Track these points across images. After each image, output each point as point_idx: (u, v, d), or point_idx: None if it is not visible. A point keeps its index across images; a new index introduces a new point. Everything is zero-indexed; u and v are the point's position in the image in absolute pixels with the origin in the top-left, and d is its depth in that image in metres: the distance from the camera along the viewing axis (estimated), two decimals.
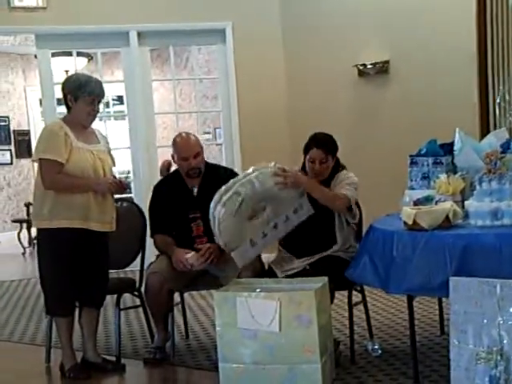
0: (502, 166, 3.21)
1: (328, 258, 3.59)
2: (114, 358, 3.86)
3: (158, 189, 4.05)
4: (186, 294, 4.44)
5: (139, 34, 6.74)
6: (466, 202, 3.27)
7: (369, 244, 3.41)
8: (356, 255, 3.51)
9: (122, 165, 8.80)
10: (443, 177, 3.54)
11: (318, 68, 6.49)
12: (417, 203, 3.39)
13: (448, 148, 3.78)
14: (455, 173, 3.62)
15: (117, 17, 6.60)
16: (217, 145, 8.81)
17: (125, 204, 4.42)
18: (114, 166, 3.84)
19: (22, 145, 10.39)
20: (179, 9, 6.67)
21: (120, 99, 9.58)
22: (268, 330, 3.10)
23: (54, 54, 7.16)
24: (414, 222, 3.13)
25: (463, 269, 2.92)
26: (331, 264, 3.55)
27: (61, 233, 3.52)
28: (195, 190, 3.91)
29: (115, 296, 4.02)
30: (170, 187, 3.97)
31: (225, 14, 6.75)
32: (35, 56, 7.28)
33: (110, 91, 9.03)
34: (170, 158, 9.44)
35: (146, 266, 4.09)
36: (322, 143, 3.68)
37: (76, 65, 7.34)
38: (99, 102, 3.65)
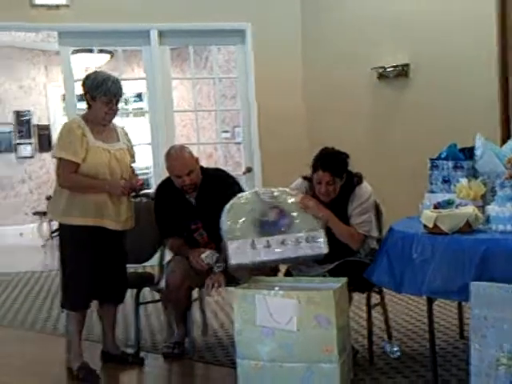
0: None
1: (348, 262, 3.59)
2: (133, 352, 3.91)
3: (160, 193, 4.03)
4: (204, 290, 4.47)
5: (160, 33, 6.76)
6: (487, 207, 3.28)
7: (388, 246, 3.43)
8: (375, 257, 3.52)
9: (142, 161, 8.90)
10: (464, 181, 3.55)
11: (337, 70, 6.50)
12: (437, 207, 3.39)
13: (469, 153, 3.80)
14: (476, 177, 3.64)
15: (138, 15, 6.63)
16: (235, 143, 8.84)
17: (144, 200, 4.46)
18: (134, 162, 3.87)
19: (42, 139, 10.51)
20: (200, 9, 6.69)
21: (139, 96, 9.65)
22: (286, 328, 3.13)
23: (75, 51, 7.22)
24: (435, 225, 3.14)
25: (483, 273, 2.93)
26: (350, 266, 3.56)
27: (74, 229, 3.59)
28: (193, 200, 3.89)
29: (135, 290, 4.06)
30: (170, 193, 3.91)
31: (245, 14, 6.77)
32: (57, 52, 7.35)
33: (130, 88, 9.11)
34: None
35: (165, 262, 4.16)
36: (329, 165, 3.56)
37: (97, 61, 7.41)
38: (117, 101, 3.67)
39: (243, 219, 3.49)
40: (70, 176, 3.58)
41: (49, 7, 6.52)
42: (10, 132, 10.34)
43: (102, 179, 3.61)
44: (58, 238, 3.86)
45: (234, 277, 3.72)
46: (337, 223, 3.56)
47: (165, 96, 6.91)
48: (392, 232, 3.46)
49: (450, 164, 3.75)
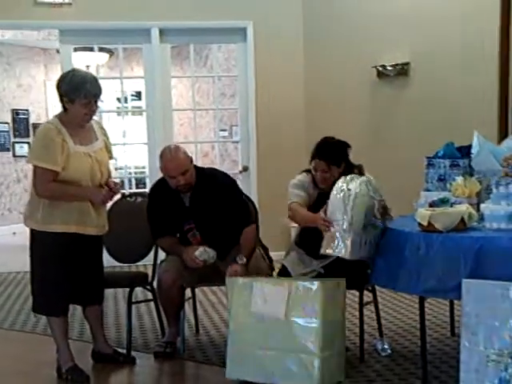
0: None
1: (340, 259, 3.52)
2: (124, 351, 3.87)
3: (153, 194, 3.96)
4: (197, 290, 4.45)
5: (161, 31, 6.76)
6: (481, 205, 3.26)
7: (383, 244, 3.39)
8: (376, 255, 3.46)
9: (139, 160, 8.86)
10: (460, 179, 3.53)
11: (338, 68, 6.48)
12: (432, 205, 3.36)
13: (465, 151, 3.77)
14: (472, 175, 3.61)
15: (139, 13, 6.64)
16: (233, 142, 8.82)
17: (139, 199, 4.43)
18: (111, 159, 3.75)
19: None
20: (201, 7, 6.68)
21: (138, 95, 9.62)
22: (274, 315, 3.19)
23: (76, 49, 7.20)
24: (429, 223, 3.12)
25: (477, 271, 2.92)
26: (343, 264, 3.51)
27: (55, 236, 3.47)
28: (187, 201, 3.83)
29: (127, 290, 4.02)
30: (164, 194, 3.85)
31: (246, 13, 6.76)
32: (57, 51, 7.34)
33: (129, 86, 9.08)
34: None
35: (158, 261, 4.12)
36: (325, 154, 3.63)
37: (97, 60, 7.40)
38: (96, 101, 3.50)
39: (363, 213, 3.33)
40: (49, 186, 3.41)
41: (51, 5, 6.53)
42: (7, 131, 10.31)
43: (84, 185, 3.48)
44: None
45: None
46: None
47: (163, 94, 6.90)
48: (387, 230, 3.42)
49: (447, 162, 3.73)
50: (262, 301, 3.24)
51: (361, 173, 3.66)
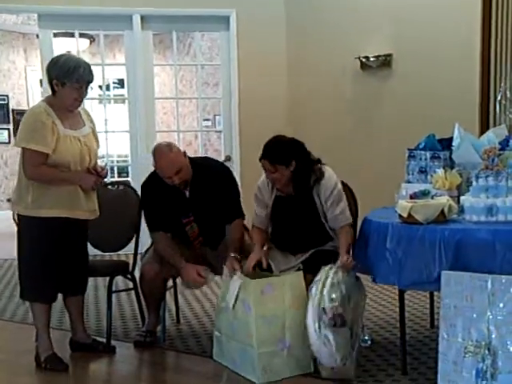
0: (499, 163, 3.23)
1: (320, 253, 3.58)
2: (104, 340, 3.86)
3: (147, 188, 3.84)
4: (178, 280, 4.41)
5: (143, 18, 6.70)
6: (461, 198, 3.29)
7: (364, 236, 3.42)
8: (355, 247, 3.49)
9: (121, 148, 8.80)
10: (440, 171, 3.56)
11: (321, 58, 6.46)
12: (413, 197, 3.38)
13: (446, 143, 3.80)
14: (453, 168, 3.64)
15: None
16: (216, 132, 8.79)
17: (121, 187, 4.41)
18: (98, 147, 3.72)
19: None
20: None
21: (121, 82, 9.55)
22: (228, 303, 3.36)
23: (56, 35, 7.12)
24: (409, 215, 3.14)
25: (457, 263, 2.95)
26: (322, 258, 3.50)
27: (45, 222, 3.44)
28: (187, 192, 3.75)
29: (107, 278, 4.00)
30: (159, 188, 3.74)
31: (229, 1, 6.72)
32: (37, 36, 7.24)
33: (111, 74, 9.01)
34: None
35: (140, 250, 4.10)
36: (268, 153, 3.52)
37: (78, 46, 7.32)
38: (87, 86, 3.48)
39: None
40: (40, 169, 3.39)
41: None
42: None
43: (73, 169, 3.46)
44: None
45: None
46: (348, 248, 3.47)
47: (146, 82, 6.85)
48: (367, 222, 3.44)
49: (428, 154, 3.75)
50: (231, 291, 3.36)
51: (321, 174, 3.57)
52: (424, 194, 3.41)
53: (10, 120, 10.39)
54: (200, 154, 6.97)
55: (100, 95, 8.80)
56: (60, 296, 3.74)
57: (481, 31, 5.28)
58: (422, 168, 3.75)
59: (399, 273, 3.12)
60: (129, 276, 4.11)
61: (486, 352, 2.72)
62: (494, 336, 2.72)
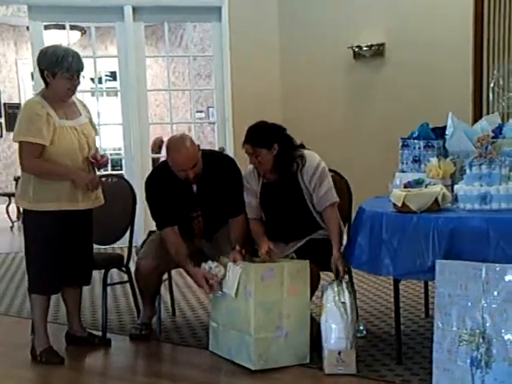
0: (492, 151, 3.22)
1: (314, 241, 3.58)
2: (100, 333, 3.86)
3: (152, 183, 3.74)
4: (173, 272, 4.41)
5: (134, 9, 6.66)
6: (455, 186, 3.28)
7: (358, 225, 3.41)
8: (350, 236, 3.51)
9: (114, 141, 8.78)
10: (434, 160, 3.55)
11: (314, 48, 6.45)
12: (407, 186, 3.38)
13: (440, 132, 3.79)
14: (446, 157, 3.63)
15: None
16: (209, 123, 8.76)
17: (115, 179, 4.39)
18: (97, 135, 3.72)
19: (12, 118, 10.22)
20: None
21: (113, 75, 9.51)
22: (229, 292, 3.35)
23: (46, 27, 7.07)
24: (403, 204, 3.13)
25: (451, 252, 2.94)
26: (317, 246, 3.55)
27: (47, 215, 3.45)
28: (194, 186, 3.68)
29: (102, 271, 3.99)
30: (165, 182, 3.66)
31: None
32: (27, 28, 7.20)
33: (103, 67, 8.97)
34: (161, 136, 9.39)
35: (134, 243, 4.09)
36: (250, 137, 3.55)
37: (69, 38, 7.28)
38: (78, 75, 3.46)
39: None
40: (36, 161, 3.39)
41: None
42: None
43: (74, 158, 3.45)
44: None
45: None
46: (337, 241, 3.51)
47: (138, 74, 6.82)
48: (362, 211, 3.43)
49: (422, 143, 3.74)
50: (228, 279, 3.37)
51: (301, 156, 3.58)
52: (418, 183, 3.40)
53: (1, 114, 10.33)
54: None
55: (92, 88, 8.76)
56: None
57: (473, 20, 5.29)
58: (416, 157, 3.74)
59: (393, 262, 3.12)
60: (123, 269, 4.10)
61: (481, 340, 2.72)
62: (488, 324, 2.71)
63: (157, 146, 8.29)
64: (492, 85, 5.19)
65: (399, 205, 3.15)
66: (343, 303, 3.18)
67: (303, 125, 5.70)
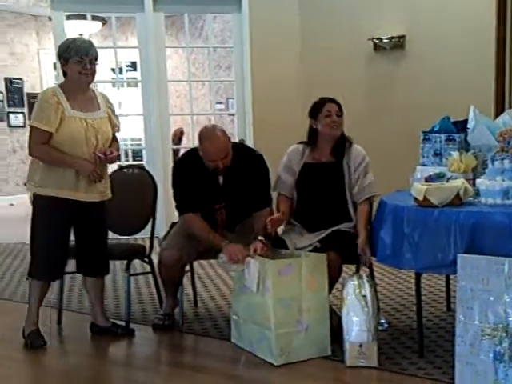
0: None
1: (337, 233, 3.60)
2: (123, 323, 3.92)
3: (180, 168, 3.79)
4: (195, 264, 4.46)
5: (154, 0, 6.69)
6: (477, 180, 3.28)
7: (380, 219, 3.42)
8: (371, 230, 3.51)
9: (134, 132, 8.84)
10: (455, 154, 3.54)
11: (334, 40, 6.44)
12: (428, 180, 3.38)
13: (461, 125, 3.78)
14: (468, 150, 3.62)
15: None
16: (229, 115, 8.78)
17: (136, 171, 4.44)
18: (118, 131, 3.76)
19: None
20: None
21: (133, 65, 9.56)
22: (250, 287, 3.37)
23: (68, 17, 7.13)
24: (425, 198, 3.14)
25: (473, 246, 2.95)
26: (340, 239, 3.57)
27: (50, 200, 3.55)
28: (221, 178, 3.70)
29: (125, 262, 4.05)
30: (192, 171, 3.69)
31: None
32: (49, 18, 7.25)
33: (124, 57, 9.02)
34: (181, 127, 9.43)
35: (156, 234, 4.14)
36: (334, 100, 3.77)
37: (90, 29, 7.34)
38: (91, 60, 3.52)
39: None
40: (40, 147, 3.50)
41: None
42: (1, 100, 10.22)
43: (78, 149, 3.51)
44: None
45: None
46: (366, 231, 3.53)
47: (158, 65, 6.85)
48: (383, 205, 3.44)
49: (443, 137, 3.74)
50: (247, 273, 3.39)
51: (350, 144, 3.75)
52: (439, 176, 3.41)
53: (24, 104, 10.42)
54: None
55: (113, 78, 8.81)
56: (79, 280, 3.80)
57: (496, 12, 5.24)
58: (437, 151, 3.74)
59: (415, 256, 3.13)
60: (146, 259, 4.15)
61: (504, 335, 2.73)
62: (511, 319, 2.72)
63: (177, 136, 8.34)
64: None
65: (420, 199, 3.16)
66: (364, 296, 3.21)
67: None
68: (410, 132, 4.61)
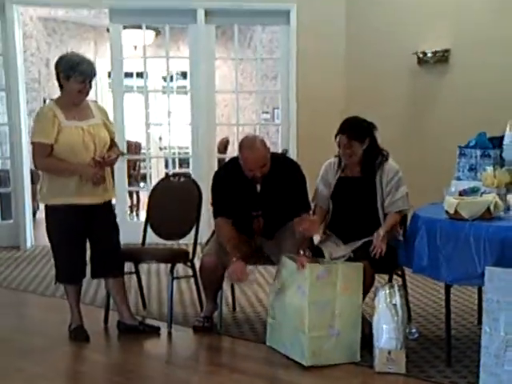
0: None
1: (369, 244, 3.69)
2: (165, 324, 4.10)
3: (219, 176, 3.97)
4: None
5: (206, 12, 6.89)
6: (508, 196, 3.35)
7: (413, 231, 3.50)
8: (405, 241, 3.64)
9: (182, 140, 9.07)
10: (490, 169, 3.61)
11: (379, 54, 6.52)
12: (462, 194, 3.45)
13: (497, 142, 3.83)
14: (503, 166, 3.69)
15: None
16: (274, 125, 8.90)
17: (182, 179, 4.64)
18: (112, 137, 3.97)
19: None
20: None
21: (184, 74, 9.80)
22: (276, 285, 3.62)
23: (124, 27, 7.39)
24: (456, 211, 3.22)
25: (503, 260, 3.02)
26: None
27: (60, 209, 3.78)
28: (258, 186, 3.85)
29: (169, 265, 4.23)
30: (232, 178, 3.86)
31: None
32: (107, 29, 7.54)
33: (175, 66, 9.27)
34: (227, 137, 9.55)
35: (199, 240, 4.31)
36: (347, 129, 3.79)
37: (144, 39, 7.58)
38: (90, 81, 3.78)
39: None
40: (44, 159, 3.74)
41: None
42: None
43: (78, 156, 3.74)
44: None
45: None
46: (388, 227, 3.70)
47: (207, 76, 7.02)
48: (416, 217, 3.53)
49: (478, 152, 3.80)
50: (280, 274, 3.59)
51: (386, 158, 3.83)
52: (473, 191, 3.48)
53: None
54: None
55: (164, 87, 9.06)
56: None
57: None
58: (472, 165, 3.81)
59: (447, 268, 3.22)
60: (189, 264, 4.32)
61: None
62: None
63: (223, 146, 8.50)
64: None
65: (452, 212, 3.24)
66: (394, 305, 3.32)
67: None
68: (450, 147, 4.65)
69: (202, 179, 5.30)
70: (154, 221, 4.50)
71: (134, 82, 8.91)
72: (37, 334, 4.09)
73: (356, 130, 3.79)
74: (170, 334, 4.05)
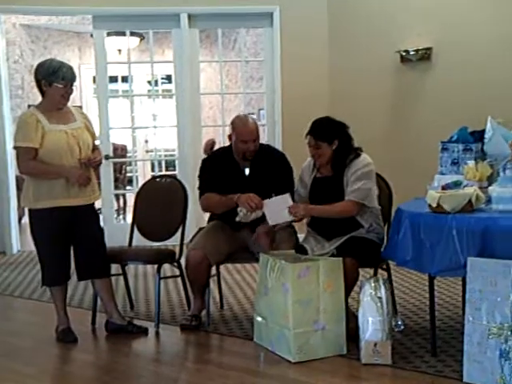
0: None
1: (352, 239, 3.76)
2: (153, 324, 4.12)
3: (208, 162, 4.17)
4: (221, 268, 4.64)
5: (190, 17, 6.92)
6: (489, 188, 3.39)
7: (396, 225, 3.55)
8: (389, 235, 3.66)
9: (168, 143, 9.10)
10: (471, 163, 3.66)
11: (362, 53, 6.58)
12: (445, 188, 3.50)
13: (478, 135, 3.88)
14: (484, 160, 3.74)
15: None
16: (260, 126, 8.93)
17: (168, 180, 4.67)
18: (95, 139, 4.04)
19: None
20: None
21: (168, 78, 9.83)
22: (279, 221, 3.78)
23: (108, 34, 7.41)
24: (438, 205, 3.26)
25: (485, 251, 3.07)
26: (355, 244, 3.72)
27: (46, 212, 3.80)
28: (247, 170, 4.02)
29: (156, 266, 4.25)
30: (220, 164, 4.06)
31: None
32: (91, 35, 7.56)
33: (160, 70, 9.30)
34: (213, 138, 9.60)
35: (185, 240, 4.32)
36: (314, 130, 3.84)
37: (129, 44, 7.61)
38: (71, 85, 3.82)
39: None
40: (28, 163, 3.76)
41: None
42: None
43: (63, 158, 3.77)
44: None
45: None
46: (320, 210, 3.77)
47: (192, 78, 7.07)
48: (399, 212, 3.58)
49: (460, 147, 3.85)
50: (268, 213, 3.72)
51: (356, 156, 3.82)
52: (456, 184, 3.52)
53: None
54: None
55: (149, 90, 9.09)
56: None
57: None
58: (455, 160, 3.85)
59: (431, 260, 3.25)
60: (175, 264, 4.34)
61: (509, 333, 2.86)
62: None
63: (209, 147, 8.53)
64: None
65: (434, 205, 3.28)
66: (379, 298, 3.35)
67: (350, 128, 5.82)
68: (434, 143, 4.70)
69: (188, 181, 5.33)
70: (140, 222, 4.52)
71: (120, 86, 8.96)
72: (25, 336, 4.10)
73: (324, 132, 3.81)
74: (157, 333, 4.07)
